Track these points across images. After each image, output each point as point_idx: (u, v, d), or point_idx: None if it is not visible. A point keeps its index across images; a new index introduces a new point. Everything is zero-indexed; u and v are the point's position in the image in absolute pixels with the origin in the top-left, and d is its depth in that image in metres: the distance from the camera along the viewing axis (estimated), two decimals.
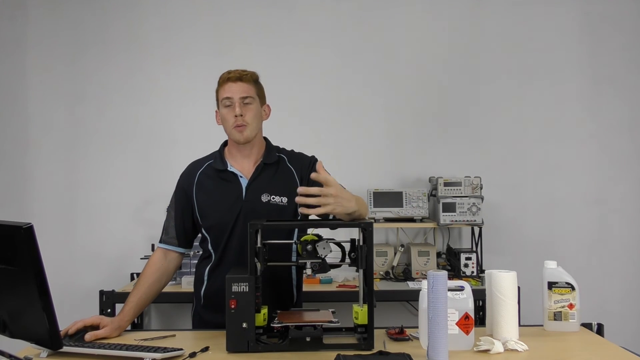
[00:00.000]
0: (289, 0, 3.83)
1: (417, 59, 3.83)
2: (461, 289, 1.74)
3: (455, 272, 3.46)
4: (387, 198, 3.58)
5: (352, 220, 1.80)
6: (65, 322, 1.83)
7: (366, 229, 1.73)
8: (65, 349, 1.67)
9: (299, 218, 2.11)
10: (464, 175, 3.61)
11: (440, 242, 3.75)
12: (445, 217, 3.50)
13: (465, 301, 1.72)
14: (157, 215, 3.63)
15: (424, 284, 1.68)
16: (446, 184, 3.55)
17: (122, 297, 2.97)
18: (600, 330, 1.95)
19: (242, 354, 1.69)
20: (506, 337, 1.74)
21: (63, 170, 3.79)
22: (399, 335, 1.85)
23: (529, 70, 3.82)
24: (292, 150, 2.20)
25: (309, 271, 1.77)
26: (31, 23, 3.81)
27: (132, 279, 3.59)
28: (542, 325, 1.95)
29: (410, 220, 3.59)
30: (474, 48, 3.83)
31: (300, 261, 1.79)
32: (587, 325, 1.96)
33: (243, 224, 1.99)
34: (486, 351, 1.68)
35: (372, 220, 3.30)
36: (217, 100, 2.10)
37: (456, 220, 3.51)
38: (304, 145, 2.28)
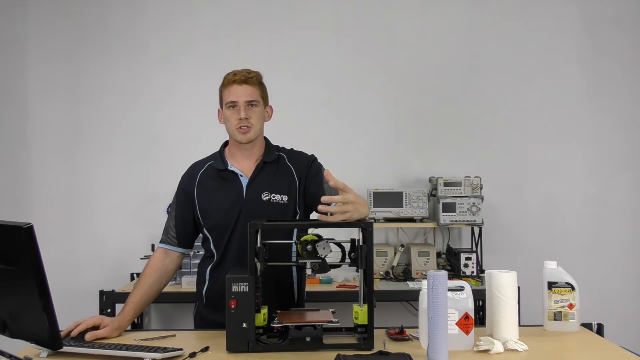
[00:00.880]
0: (291, 3, 3.82)
1: (417, 59, 3.83)
2: (461, 289, 1.74)
3: (455, 272, 3.46)
4: (387, 198, 3.58)
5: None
6: (65, 322, 1.83)
7: (366, 229, 1.73)
8: (65, 349, 1.67)
9: (297, 217, 2.12)
10: (464, 175, 3.61)
11: (440, 242, 3.75)
12: (445, 217, 3.50)
13: (465, 301, 1.72)
14: (157, 215, 3.66)
15: (424, 284, 1.68)
16: (446, 184, 3.55)
17: (122, 297, 2.97)
18: (600, 330, 1.95)
19: (242, 354, 1.69)
20: (506, 337, 1.74)
21: (63, 170, 3.79)
22: (399, 335, 1.85)
23: (529, 70, 3.82)
24: (292, 149, 2.21)
25: (309, 271, 1.77)
26: (31, 22, 3.81)
27: (132, 279, 3.59)
28: (542, 325, 1.95)
29: (410, 220, 3.59)
30: (474, 48, 3.83)
31: (300, 261, 1.79)
32: (587, 325, 1.96)
33: (244, 222, 1.99)
34: (486, 351, 1.68)
35: (372, 220, 3.30)
36: (221, 100, 2.10)
37: (456, 220, 3.51)
38: (304, 145, 2.28)
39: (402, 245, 3.66)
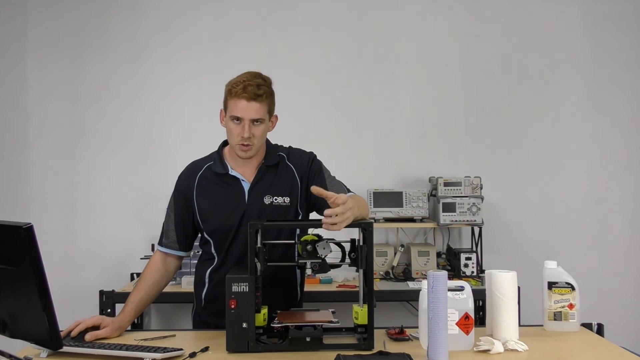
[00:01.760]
0: (290, 3, 3.82)
1: (417, 59, 3.82)
2: (461, 289, 1.74)
3: (455, 272, 3.45)
4: (387, 198, 3.58)
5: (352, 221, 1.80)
6: (65, 322, 1.83)
7: (366, 229, 1.73)
8: (65, 349, 1.67)
9: (300, 218, 2.11)
10: (464, 175, 3.61)
11: (440, 242, 3.75)
12: (445, 217, 3.50)
13: (465, 301, 1.72)
14: (157, 215, 3.60)
15: (424, 284, 1.68)
16: (446, 184, 3.55)
17: (122, 297, 2.96)
18: (600, 330, 1.96)
19: (242, 354, 1.69)
20: (506, 337, 1.74)
21: (63, 170, 3.79)
22: (399, 335, 1.85)
23: (529, 70, 3.82)
24: (290, 147, 2.18)
25: (309, 271, 1.77)
26: (31, 22, 3.81)
27: (132, 279, 3.58)
28: (542, 325, 1.95)
29: (410, 220, 3.59)
30: (473, 48, 3.83)
31: (300, 261, 1.79)
32: (587, 325, 1.96)
33: (246, 227, 1.97)
34: (486, 351, 1.68)
35: (372, 220, 3.30)
36: (225, 106, 2.01)
37: (456, 220, 3.51)
38: (304, 145, 2.27)
39: (402, 245, 3.66)
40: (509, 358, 1.65)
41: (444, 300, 1.54)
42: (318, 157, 2.17)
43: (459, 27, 3.83)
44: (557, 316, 1.91)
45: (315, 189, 1.73)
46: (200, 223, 2.09)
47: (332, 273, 3.40)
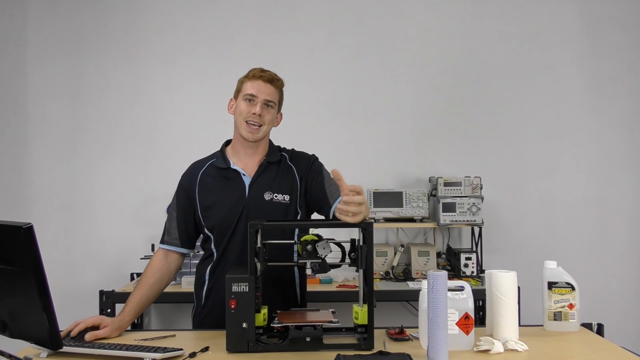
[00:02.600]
0: (290, 3, 3.82)
1: (417, 59, 3.83)
2: (461, 289, 1.73)
3: (455, 272, 3.46)
4: (387, 198, 3.58)
5: None
6: (65, 322, 1.83)
7: (366, 229, 1.73)
8: (65, 349, 1.67)
9: (299, 217, 2.12)
10: (464, 175, 3.61)
11: (440, 242, 3.75)
12: (445, 217, 3.50)
13: (465, 301, 1.71)
14: (157, 215, 3.65)
15: (424, 284, 1.68)
16: (446, 184, 3.55)
17: (122, 297, 2.98)
18: (600, 330, 1.95)
19: (242, 354, 1.69)
20: (506, 337, 1.74)
21: (63, 170, 3.79)
22: (399, 335, 1.85)
23: (529, 70, 3.82)
24: (293, 149, 2.20)
25: (309, 271, 1.77)
26: (31, 22, 3.81)
27: (132, 279, 3.59)
28: (542, 325, 1.95)
29: (410, 220, 3.59)
30: (474, 48, 3.83)
31: (300, 261, 1.79)
32: (587, 325, 1.96)
33: (246, 222, 1.98)
34: (486, 351, 1.68)
35: (372, 220, 3.30)
36: (238, 90, 2.10)
37: (456, 220, 3.51)
38: (304, 145, 2.28)
39: (402, 245, 3.66)
40: (509, 358, 1.65)
41: (444, 300, 1.54)
42: (320, 159, 2.19)
43: (459, 27, 3.83)
44: (557, 316, 1.91)
45: (335, 172, 1.75)
46: (202, 219, 2.10)
47: (332, 273, 3.41)
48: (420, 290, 1.74)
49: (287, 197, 2.07)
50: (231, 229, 2.05)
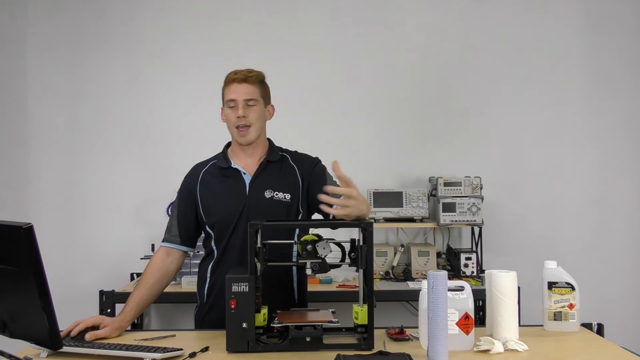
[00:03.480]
0: (289, 3, 3.83)
1: (417, 59, 3.82)
2: (461, 289, 1.74)
3: (455, 272, 3.46)
4: (387, 198, 3.58)
5: (353, 220, 1.80)
6: (65, 322, 1.83)
7: (366, 229, 1.73)
8: (65, 349, 1.67)
9: (300, 217, 2.12)
10: (464, 175, 3.61)
11: (440, 242, 3.75)
12: (445, 217, 3.50)
13: (465, 301, 1.72)
14: (157, 215, 3.66)
15: (424, 284, 1.68)
16: (446, 184, 3.55)
17: (122, 297, 2.98)
18: (600, 330, 1.95)
19: (242, 354, 1.69)
20: (506, 337, 1.74)
21: (63, 170, 3.79)
22: (399, 335, 1.85)
23: (529, 70, 3.82)
24: (296, 151, 2.22)
25: (309, 271, 1.77)
26: (31, 23, 3.81)
27: (132, 279, 3.58)
28: (542, 325, 1.95)
29: (410, 220, 3.59)
30: (474, 48, 3.83)
31: (300, 261, 1.79)
32: (587, 325, 1.96)
33: (246, 220, 2.00)
34: (486, 351, 1.68)
35: (372, 220, 3.29)
36: (223, 98, 2.13)
37: (456, 220, 3.51)
38: (304, 145, 2.28)
39: (402, 245, 3.66)
40: (509, 358, 1.65)
41: (444, 300, 1.54)
42: (322, 163, 2.19)
43: (459, 27, 3.83)
44: (557, 316, 1.91)
45: (334, 164, 1.78)
46: (203, 216, 2.12)
47: (332, 273, 3.41)
48: (420, 290, 1.75)
49: (288, 196, 2.08)
50: (232, 227, 2.06)
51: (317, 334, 1.72)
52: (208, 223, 2.11)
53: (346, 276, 3.46)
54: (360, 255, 1.73)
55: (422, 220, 3.59)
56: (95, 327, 1.87)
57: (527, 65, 3.82)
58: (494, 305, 1.79)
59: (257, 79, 2.10)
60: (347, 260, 1.79)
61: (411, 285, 3.36)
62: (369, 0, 3.83)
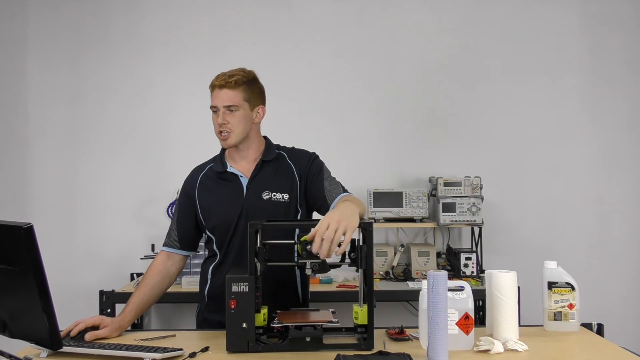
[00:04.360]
0: (289, 3, 3.82)
1: (417, 59, 3.82)
2: (461, 289, 1.73)
3: (455, 272, 3.45)
4: (387, 198, 3.58)
5: None
6: (65, 322, 1.83)
7: (366, 229, 1.73)
8: (65, 349, 1.67)
9: (299, 216, 2.12)
10: (464, 175, 3.61)
11: (440, 242, 3.75)
12: (445, 217, 3.50)
13: (465, 301, 1.71)
14: (157, 215, 3.66)
15: (424, 284, 1.68)
16: (446, 184, 3.55)
17: (122, 297, 2.98)
18: (600, 330, 1.95)
19: (242, 354, 1.69)
20: (506, 337, 1.74)
21: (63, 170, 3.79)
22: (399, 335, 1.85)
23: (529, 70, 3.82)
24: (293, 147, 2.21)
25: (308, 271, 1.77)
26: (31, 23, 3.81)
27: (132, 279, 3.58)
28: (542, 325, 1.95)
29: (410, 220, 3.59)
30: (473, 48, 3.83)
31: (300, 261, 1.79)
32: (587, 325, 1.96)
33: (245, 222, 2.00)
34: (486, 351, 1.68)
35: (372, 220, 3.30)
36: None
37: (456, 220, 3.51)
38: (304, 145, 2.28)
39: (402, 245, 3.66)
40: (509, 358, 1.65)
41: (444, 300, 1.54)
42: (320, 159, 2.18)
43: (458, 27, 3.83)
44: (557, 316, 1.91)
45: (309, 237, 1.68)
46: (203, 221, 2.12)
47: (332, 273, 3.41)
48: (420, 290, 1.74)
49: (286, 196, 2.08)
50: (231, 230, 2.06)
51: (317, 334, 1.72)
52: (208, 227, 2.12)
53: (346, 276, 3.46)
54: (360, 255, 1.73)
55: (422, 220, 3.59)
56: (95, 327, 1.87)
57: (527, 66, 3.82)
58: (494, 305, 1.79)
59: (238, 83, 2.03)
60: (347, 260, 1.79)
61: (411, 285, 3.36)
62: (369, 1, 3.83)
